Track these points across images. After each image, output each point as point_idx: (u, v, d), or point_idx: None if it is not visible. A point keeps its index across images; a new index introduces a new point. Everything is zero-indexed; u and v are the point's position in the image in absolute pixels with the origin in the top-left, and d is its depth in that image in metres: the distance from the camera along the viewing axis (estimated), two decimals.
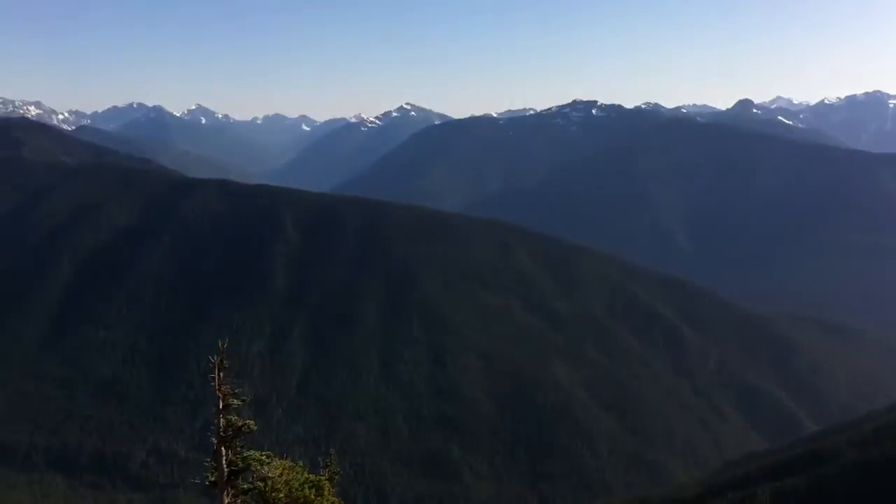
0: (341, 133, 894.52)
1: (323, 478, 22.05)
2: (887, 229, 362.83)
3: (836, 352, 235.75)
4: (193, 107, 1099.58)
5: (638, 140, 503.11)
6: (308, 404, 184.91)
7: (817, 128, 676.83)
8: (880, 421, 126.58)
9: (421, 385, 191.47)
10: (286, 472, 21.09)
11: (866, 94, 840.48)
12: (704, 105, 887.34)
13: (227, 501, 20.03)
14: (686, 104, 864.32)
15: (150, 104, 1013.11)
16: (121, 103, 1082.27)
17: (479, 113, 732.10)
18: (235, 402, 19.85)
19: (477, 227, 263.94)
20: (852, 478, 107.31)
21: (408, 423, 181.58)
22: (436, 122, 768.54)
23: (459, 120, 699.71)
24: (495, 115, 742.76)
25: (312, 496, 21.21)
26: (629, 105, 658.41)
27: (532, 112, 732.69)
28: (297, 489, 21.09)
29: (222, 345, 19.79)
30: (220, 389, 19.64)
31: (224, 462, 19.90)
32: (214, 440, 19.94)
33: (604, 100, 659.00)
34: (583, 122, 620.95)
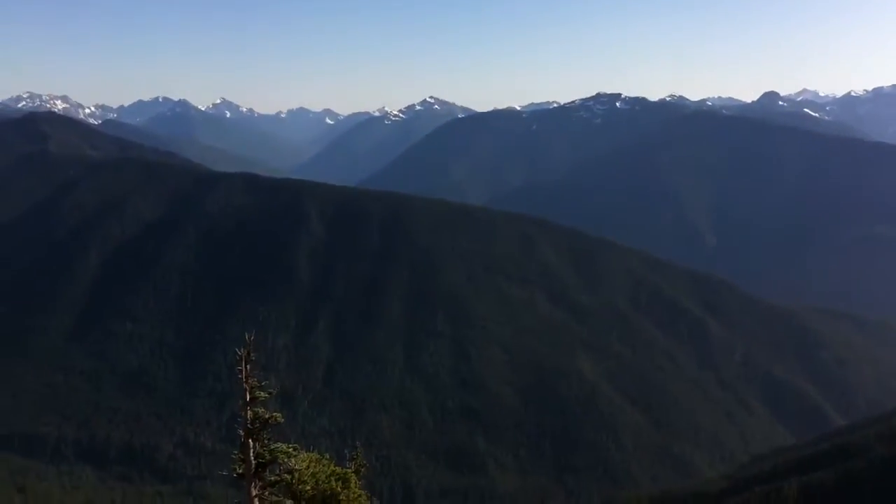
0: (365, 127, 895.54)
1: (349, 470, 22.08)
2: None
3: (863, 345, 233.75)
4: (218, 101, 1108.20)
5: (662, 133, 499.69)
6: (333, 397, 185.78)
7: (843, 120, 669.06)
8: None
9: (445, 377, 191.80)
10: (313, 464, 21.13)
11: (893, 85, 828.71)
12: (730, 98, 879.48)
13: (254, 493, 20.11)
14: (711, 97, 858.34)
15: (175, 98, 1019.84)
16: (146, 97, 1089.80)
17: (502, 106, 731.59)
18: (262, 394, 19.90)
19: (500, 219, 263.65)
20: (880, 472, 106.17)
21: (433, 416, 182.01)
22: (459, 116, 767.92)
23: (482, 113, 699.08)
24: (518, 108, 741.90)
25: (339, 488, 21.25)
26: (654, 98, 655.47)
27: (555, 105, 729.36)
28: (323, 482, 21.13)
29: (249, 337, 19.84)
30: (247, 382, 19.69)
31: (251, 454, 19.96)
32: (241, 432, 19.99)
33: (628, 92, 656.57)
34: (607, 115, 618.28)
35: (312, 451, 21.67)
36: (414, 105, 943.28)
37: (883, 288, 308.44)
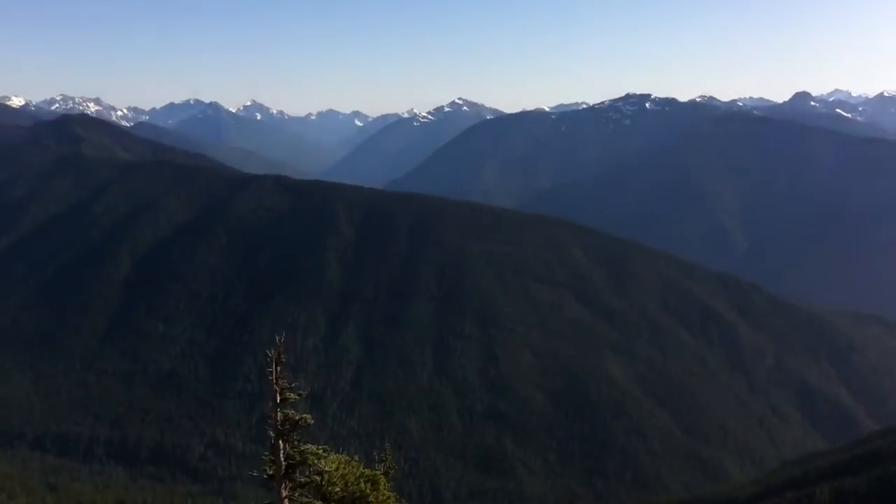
0: (394, 128, 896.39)
1: (378, 472, 22.17)
2: None
3: None
4: (248, 103, 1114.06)
5: (693, 134, 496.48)
6: (362, 399, 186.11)
7: (876, 121, 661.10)
8: None
9: (474, 380, 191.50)
10: (342, 466, 21.23)
11: None
12: (761, 98, 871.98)
13: (284, 494, 20.26)
14: (742, 97, 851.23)
15: (206, 100, 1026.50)
16: (178, 100, 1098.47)
17: (531, 107, 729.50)
18: (292, 396, 20.04)
19: (529, 222, 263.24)
20: None
21: (461, 419, 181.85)
22: (488, 117, 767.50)
23: (511, 114, 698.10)
24: (547, 110, 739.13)
25: (368, 490, 21.35)
26: (683, 98, 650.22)
27: (585, 106, 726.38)
28: (353, 483, 21.23)
29: (279, 339, 20.00)
30: (277, 383, 19.84)
31: (282, 455, 20.12)
32: (272, 434, 20.14)
33: (658, 93, 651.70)
34: (636, 116, 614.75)
35: (341, 453, 21.79)
36: (443, 107, 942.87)
37: None
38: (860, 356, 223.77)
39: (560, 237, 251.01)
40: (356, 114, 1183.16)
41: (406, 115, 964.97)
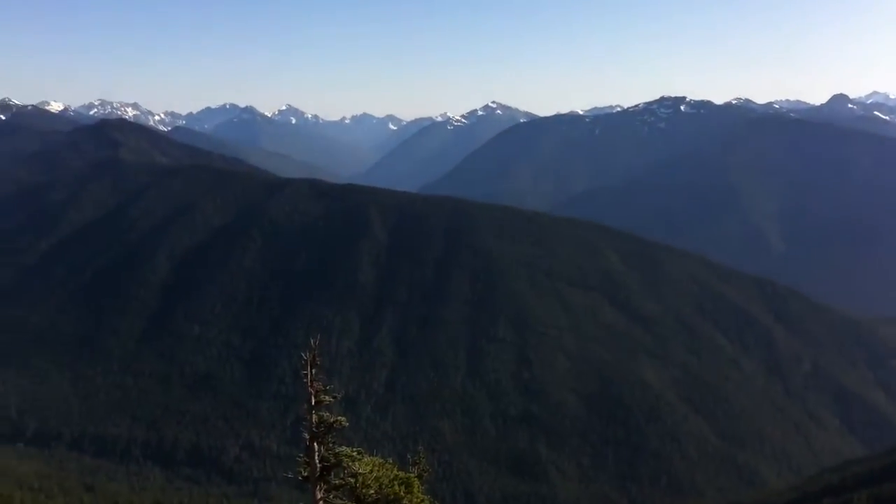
0: (427, 132, 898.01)
1: (412, 475, 22.29)
2: None
3: None
4: (284, 107, 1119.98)
5: (728, 137, 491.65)
6: (396, 402, 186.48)
7: None
8: None
9: (507, 384, 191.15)
10: (377, 468, 21.36)
11: None
12: (798, 101, 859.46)
13: (319, 496, 20.44)
14: (778, 99, 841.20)
15: (241, 105, 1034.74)
16: (214, 104, 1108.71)
17: (564, 110, 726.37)
18: (327, 398, 20.19)
19: (563, 225, 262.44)
20: None
21: (494, 422, 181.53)
22: (521, 121, 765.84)
23: (545, 118, 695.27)
24: (581, 113, 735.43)
25: (402, 493, 21.47)
26: (719, 101, 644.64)
27: (619, 109, 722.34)
28: (387, 486, 21.36)
29: (314, 342, 20.19)
30: (312, 386, 20.00)
31: (316, 458, 20.30)
32: (307, 436, 20.29)
33: (692, 95, 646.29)
34: (671, 119, 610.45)
35: (375, 456, 21.96)
36: (476, 110, 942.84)
37: None
38: None
39: (593, 240, 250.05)
40: (390, 117, 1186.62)
41: (439, 119, 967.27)
